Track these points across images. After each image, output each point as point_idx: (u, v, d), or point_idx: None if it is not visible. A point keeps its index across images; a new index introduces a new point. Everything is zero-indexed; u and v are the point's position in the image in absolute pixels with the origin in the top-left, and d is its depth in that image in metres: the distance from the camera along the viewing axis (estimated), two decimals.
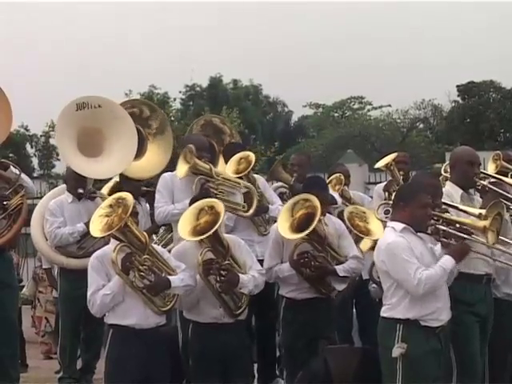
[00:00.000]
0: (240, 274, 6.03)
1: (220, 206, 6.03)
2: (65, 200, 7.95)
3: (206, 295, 6.03)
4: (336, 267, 6.49)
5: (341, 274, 6.48)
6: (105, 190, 8.39)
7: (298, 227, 6.40)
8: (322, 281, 6.53)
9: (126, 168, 8.03)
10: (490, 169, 8.08)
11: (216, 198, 6.59)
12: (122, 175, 8.20)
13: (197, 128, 8.50)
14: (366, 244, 7.32)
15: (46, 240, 8.00)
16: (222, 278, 5.95)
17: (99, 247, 7.45)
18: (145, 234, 5.91)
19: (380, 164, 8.54)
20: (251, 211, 6.93)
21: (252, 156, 7.36)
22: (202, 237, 5.92)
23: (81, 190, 7.89)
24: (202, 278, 5.96)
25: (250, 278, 6.05)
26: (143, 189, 8.21)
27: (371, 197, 9.04)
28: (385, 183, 8.76)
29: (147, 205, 8.19)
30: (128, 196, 5.84)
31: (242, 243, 6.26)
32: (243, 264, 6.14)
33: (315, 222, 6.32)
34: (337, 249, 6.60)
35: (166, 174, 7.19)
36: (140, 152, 8.27)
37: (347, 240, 6.70)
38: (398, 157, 8.57)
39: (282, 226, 6.41)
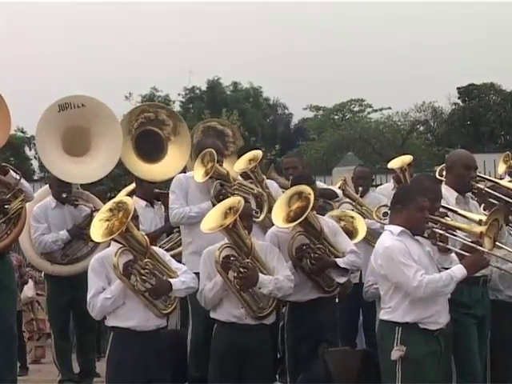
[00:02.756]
0: (260, 274, 6.06)
1: (239, 203, 6.08)
2: (48, 205, 7.95)
3: (229, 294, 6.09)
4: (335, 259, 6.51)
5: (341, 266, 6.48)
6: (123, 192, 8.42)
7: (293, 219, 6.39)
8: (323, 275, 6.54)
9: (140, 171, 8.05)
10: (501, 169, 8.09)
11: None
12: (135, 178, 8.23)
13: (197, 134, 8.48)
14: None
15: (32, 245, 7.99)
16: (240, 275, 5.98)
17: (83, 254, 7.53)
18: (146, 237, 5.93)
19: (394, 165, 8.55)
20: (262, 216, 6.94)
21: (258, 153, 7.44)
22: (220, 228, 5.99)
23: (64, 195, 7.87)
24: (220, 274, 6.00)
25: (271, 279, 6.08)
26: (156, 191, 8.21)
27: None
28: (387, 185, 8.80)
29: (162, 207, 8.18)
30: (128, 200, 5.86)
31: (275, 250, 6.31)
32: (272, 270, 6.19)
33: (308, 210, 6.32)
34: (334, 245, 6.60)
35: (180, 175, 7.23)
36: (159, 156, 8.29)
37: (342, 236, 6.71)
38: (413, 161, 8.64)
39: (276, 216, 6.43)
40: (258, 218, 6.92)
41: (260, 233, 6.92)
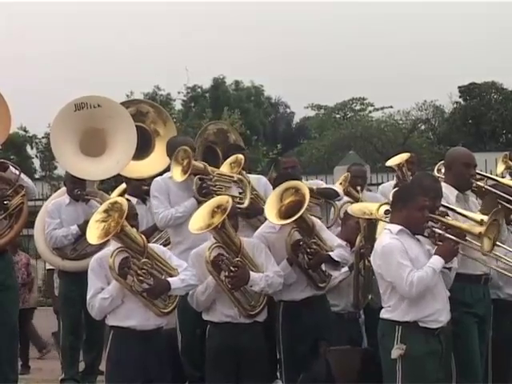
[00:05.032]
0: (251, 272, 6.08)
1: (227, 202, 6.08)
2: (63, 202, 8.14)
3: (221, 295, 6.09)
4: (329, 253, 6.53)
5: (336, 259, 6.51)
6: (116, 192, 8.44)
7: (285, 214, 6.39)
8: (318, 270, 6.56)
9: (125, 169, 8.03)
10: (499, 170, 8.06)
11: (216, 194, 6.69)
12: (123, 176, 8.22)
13: (209, 134, 8.43)
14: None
15: (46, 240, 8.09)
16: (232, 274, 5.99)
17: (92, 250, 7.53)
18: (143, 236, 5.88)
19: (392, 163, 8.56)
20: (246, 202, 6.93)
21: (241, 157, 7.35)
22: (208, 229, 5.98)
23: (77, 192, 7.96)
24: (211, 274, 6.00)
25: (262, 277, 6.11)
26: (145, 188, 8.21)
27: None
28: (390, 183, 8.79)
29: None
30: (122, 200, 5.83)
31: (262, 246, 6.33)
32: (261, 266, 6.21)
33: (303, 208, 6.32)
34: (323, 241, 6.62)
35: (158, 179, 7.16)
36: (147, 152, 8.29)
37: (326, 232, 6.74)
38: (410, 157, 8.62)
39: (270, 213, 6.42)
40: (242, 203, 6.90)
41: (250, 229, 6.96)
